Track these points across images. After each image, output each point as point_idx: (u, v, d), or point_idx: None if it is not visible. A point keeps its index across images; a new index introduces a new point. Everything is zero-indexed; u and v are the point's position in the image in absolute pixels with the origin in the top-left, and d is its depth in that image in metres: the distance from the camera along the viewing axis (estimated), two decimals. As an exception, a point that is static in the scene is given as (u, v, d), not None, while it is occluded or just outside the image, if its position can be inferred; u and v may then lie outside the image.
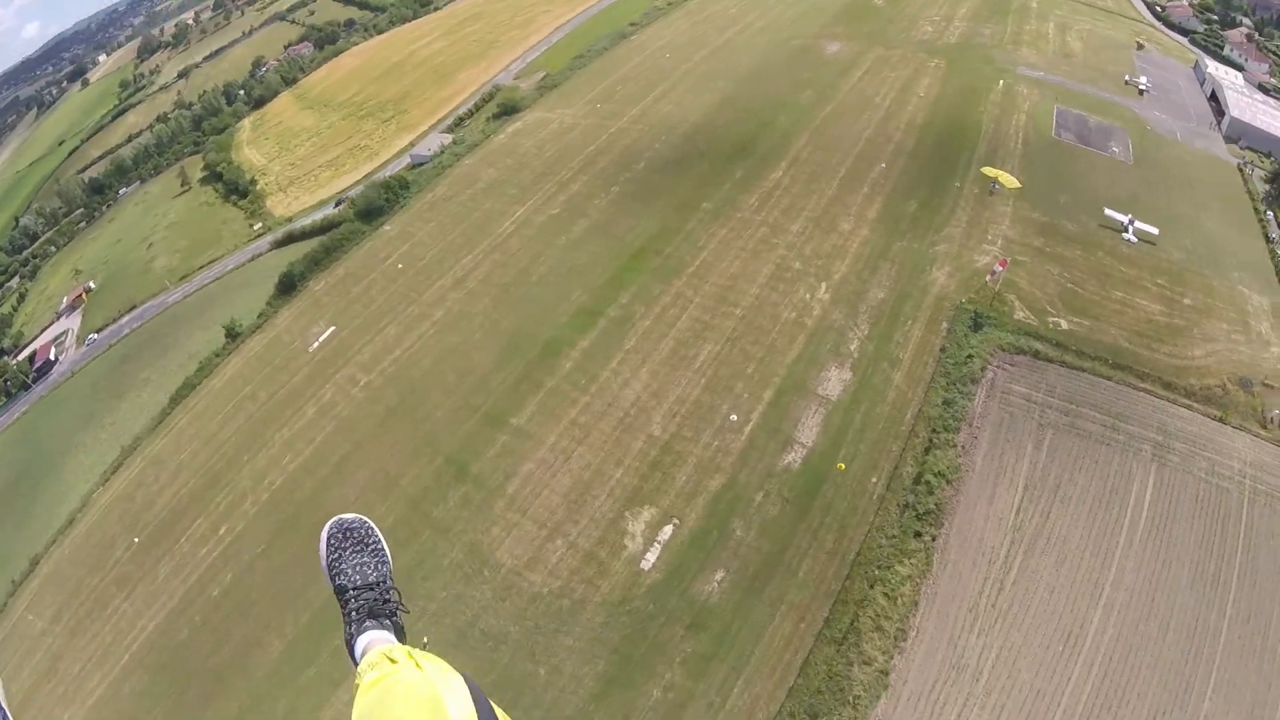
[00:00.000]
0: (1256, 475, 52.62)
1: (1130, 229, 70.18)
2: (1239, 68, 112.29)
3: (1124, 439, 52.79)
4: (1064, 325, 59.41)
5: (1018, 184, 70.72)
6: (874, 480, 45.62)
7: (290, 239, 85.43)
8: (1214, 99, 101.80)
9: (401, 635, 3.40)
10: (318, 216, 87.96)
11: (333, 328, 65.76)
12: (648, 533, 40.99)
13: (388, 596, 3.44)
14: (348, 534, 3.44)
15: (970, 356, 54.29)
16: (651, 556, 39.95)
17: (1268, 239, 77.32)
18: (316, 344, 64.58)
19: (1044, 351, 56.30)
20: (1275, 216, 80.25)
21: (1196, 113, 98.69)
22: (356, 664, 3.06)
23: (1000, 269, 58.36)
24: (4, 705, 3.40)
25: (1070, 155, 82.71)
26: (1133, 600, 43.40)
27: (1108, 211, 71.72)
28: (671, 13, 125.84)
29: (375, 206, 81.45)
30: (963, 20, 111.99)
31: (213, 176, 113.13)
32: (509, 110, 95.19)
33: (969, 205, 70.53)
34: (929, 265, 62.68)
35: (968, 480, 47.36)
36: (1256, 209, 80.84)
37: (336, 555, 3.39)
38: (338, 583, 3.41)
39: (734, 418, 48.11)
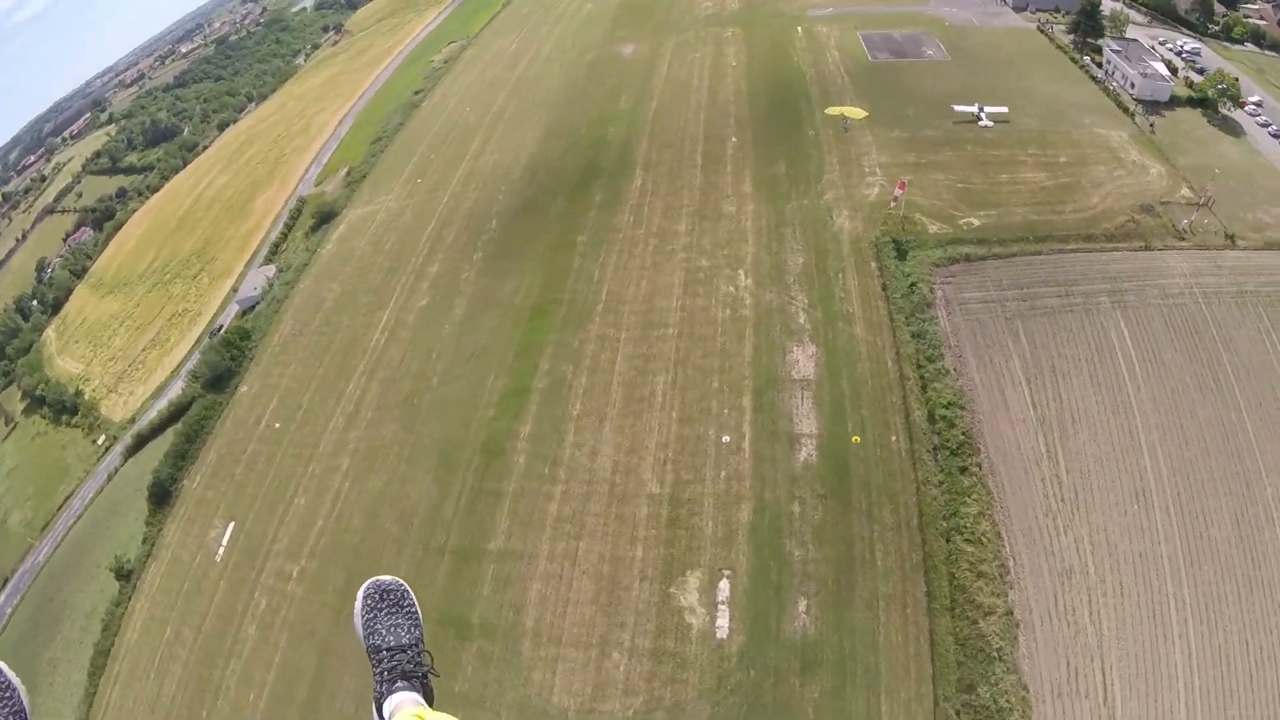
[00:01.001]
0: (1199, 280, 61.57)
1: (983, 115, 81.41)
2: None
3: (1081, 300, 59.96)
4: (975, 222, 66.98)
5: (864, 113, 79.84)
6: (893, 439, 48.14)
7: (142, 441, 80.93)
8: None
9: (430, 698, 3.77)
10: (162, 405, 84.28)
11: (232, 524, 60.04)
12: (705, 599, 39.94)
13: (419, 659, 3.86)
14: (384, 595, 3.89)
15: (913, 284, 59.48)
16: (723, 622, 38.71)
17: (1095, 79, 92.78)
18: (221, 549, 58.57)
19: (973, 253, 62.94)
20: (1091, 59, 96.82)
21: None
22: None
23: (900, 192, 64.85)
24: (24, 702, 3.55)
25: (894, 71, 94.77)
26: (1167, 434, 49.23)
27: (957, 107, 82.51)
28: (452, 69, 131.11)
29: (222, 371, 78.05)
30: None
31: (36, 403, 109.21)
32: (326, 217, 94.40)
33: (832, 148, 78.33)
34: (828, 215, 68.46)
35: (977, 398, 51.41)
36: (1073, 59, 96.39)
37: (371, 615, 3.80)
38: (371, 642, 3.82)
39: (726, 439, 49.03)
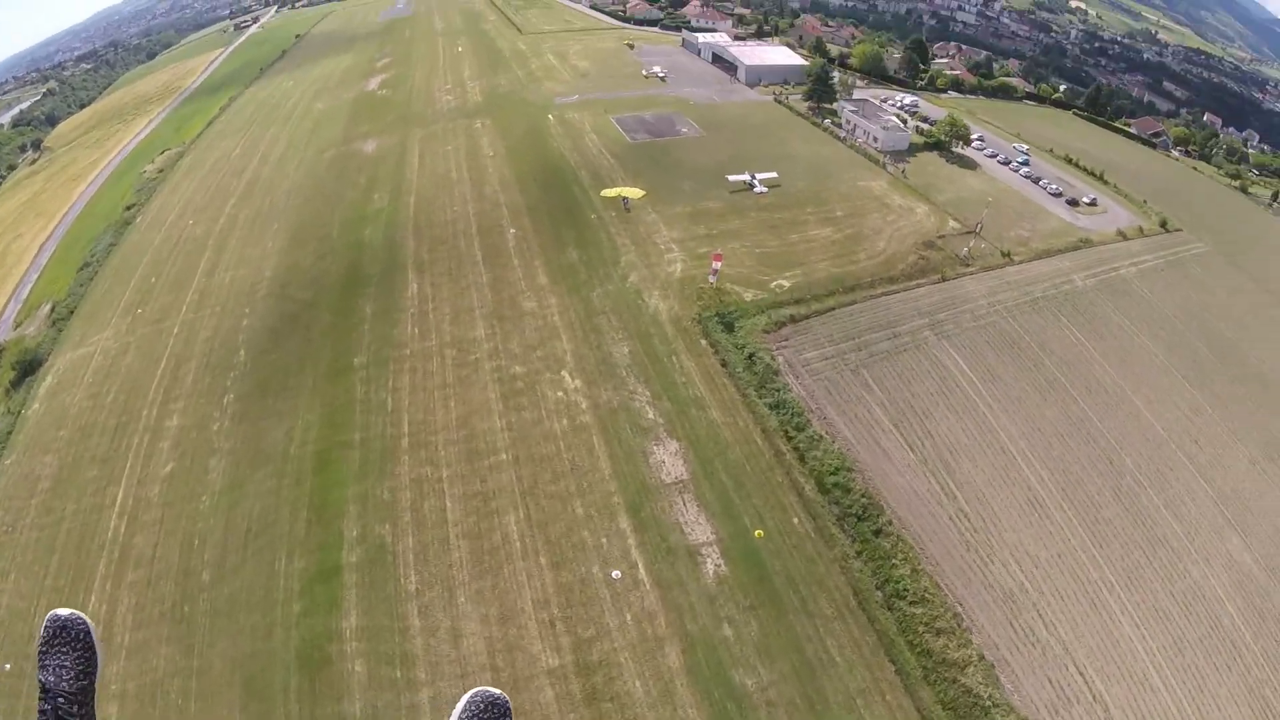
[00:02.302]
0: (997, 299, 74.92)
1: (756, 182, 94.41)
2: (712, 30, 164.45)
3: (909, 338, 69.57)
4: (785, 284, 75.68)
5: (642, 192, 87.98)
6: (795, 520, 50.29)
7: None
8: (716, 60, 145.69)
9: None
10: None
11: None
12: (660, 778, 37.08)
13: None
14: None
15: (751, 354, 64.56)
16: (691, 798, 36.13)
17: (840, 139, 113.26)
18: None
19: (796, 313, 70.35)
20: (831, 121, 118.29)
21: (714, 77, 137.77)
22: None
23: (718, 264, 71.60)
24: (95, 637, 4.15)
25: (656, 149, 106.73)
26: (1031, 441, 59.10)
27: (730, 177, 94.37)
28: (169, 179, 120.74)
29: None
30: (474, 80, 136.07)
31: None
32: (29, 368, 77.37)
33: (620, 229, 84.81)
34: (639, 298, 72.71)
35: (857, 455, 56.33)
36: (815, 123, 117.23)
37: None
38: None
39: (617, 574, 47.05)
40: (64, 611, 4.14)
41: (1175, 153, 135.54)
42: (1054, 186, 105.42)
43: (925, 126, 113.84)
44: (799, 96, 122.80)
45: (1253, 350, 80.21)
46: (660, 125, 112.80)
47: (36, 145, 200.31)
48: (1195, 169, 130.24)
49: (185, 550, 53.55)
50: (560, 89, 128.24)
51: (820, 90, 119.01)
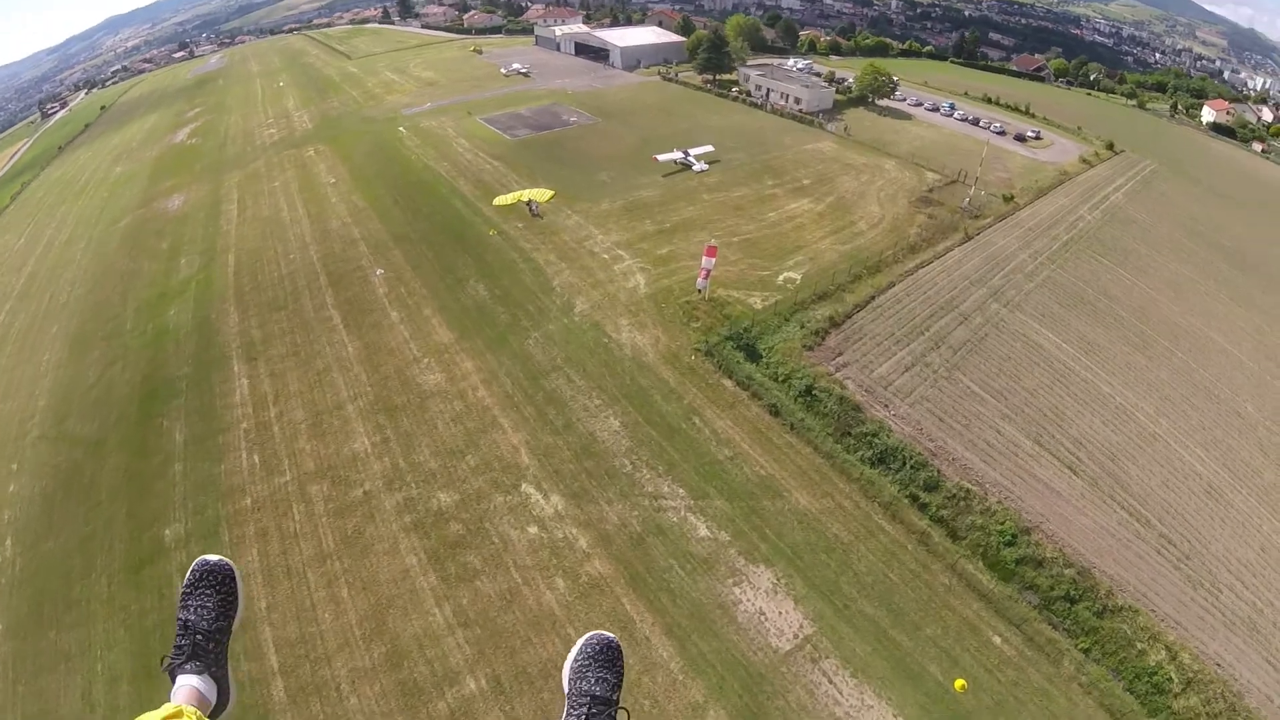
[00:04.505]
0: (1032, 249, 54.48)
1: (693, 160, 68.95)
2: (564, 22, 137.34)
3: (979, 317, 46.71)
4: (795, 276, 50.18)
5: (550, 192, 60.00)
6: (996, 640, 24.70)
7: None
8: (581, 51, 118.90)
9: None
10: None
11: None
12: None
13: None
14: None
15: (808, 389, 38.79)
16: None
17: (756, 106, 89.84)
18: None
19: (832, 314, 45.47)
20: (736, 90, 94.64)
21: (583, 67, 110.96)
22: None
23: (710, 261, 44.72)
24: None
25: (549, 144, 78.30)
26: (1170, 410, 37.15)
27: (659, 158, 68.38)
28: None
29: None
30: (299, 109, 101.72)
31: None
32: None
33: (538, 242, 55.78)
34: (601, 335, 44.80)
35: (1020, 500, 32.95)
36: (718, 94, 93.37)
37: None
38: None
39: None
40: (212, 558, 3.92)
41: (1060, 84, 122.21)
42: (996, 125, 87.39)
43: (847, 83, 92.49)
44: (691, 71, 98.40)
45: (1254, 254, 70.48)
46: (542, 118, 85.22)
47: None
48: (1090, 95, 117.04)
49: None
50: (407, 100, 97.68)
51: (715, 59, 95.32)
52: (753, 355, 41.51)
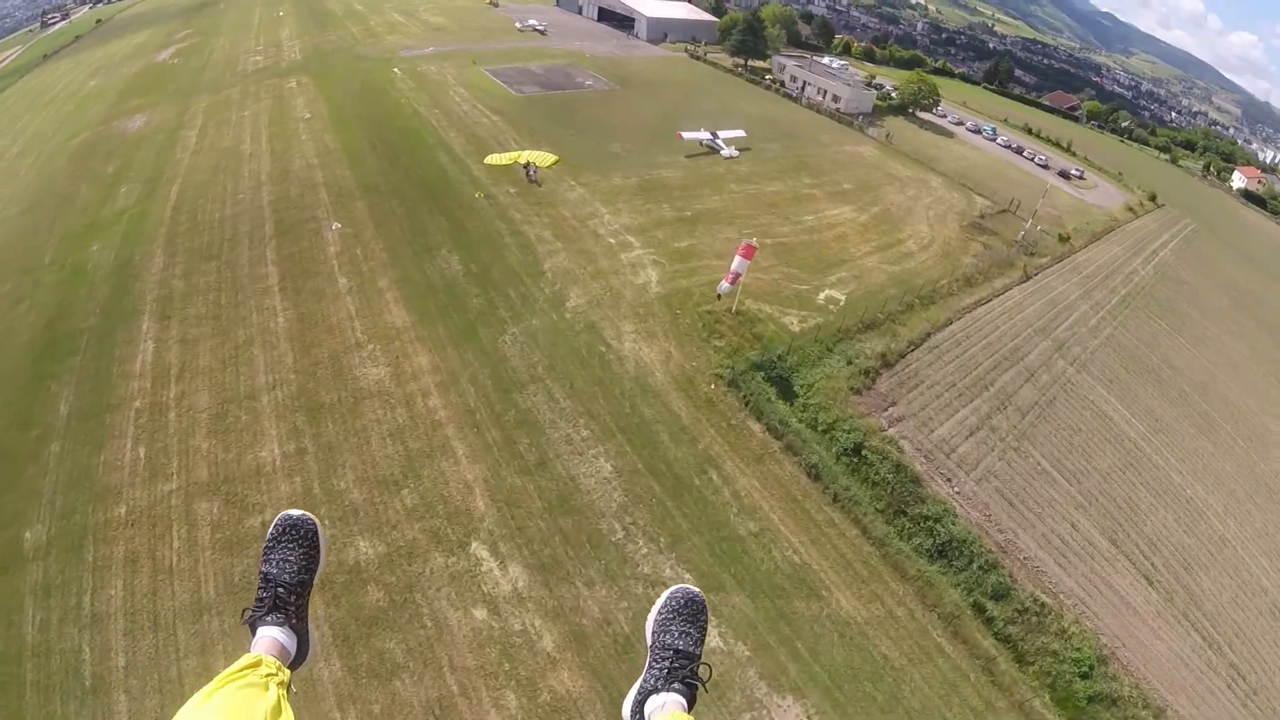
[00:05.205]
0: (1094, 301, 48.10)
1: (721, 143, 59.42)
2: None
3: (1045, 376, 38.77)
4: (839, 296, 41.25)
5: (554, 157, 49.76)
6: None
7: None
8: (604, 17, 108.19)
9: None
10: None
11: None
12: None
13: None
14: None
15: (857, 448, 29.81)
16: None
17: (791, 97, 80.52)
18: None
19: (885, 350, 36.75)
20: (769, 78, 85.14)
21: (605, 32, 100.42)
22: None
23: (743, 260, 35.42)
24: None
25: (559, 105, 68.21)
26: (1236, 510, 29.13)
27: (684, 135, 58.67)
28: None
29: None
30: (293, 39, 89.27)
31: None
32: None
33: (531, 213, 45.98)
34: (597, 341, 35.80)
35: (1095, 617, 24.70)
36: (751, 80, 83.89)
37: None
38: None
39: None
40: (295, 512, 3.56)
41: (1092, 126, 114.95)
42: (1040, 158, 79.56)
43: (885, 89, 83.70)
44: (721, 53, 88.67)
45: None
46: (554, 77, 75.03)
47: None
48: (1124, 143, 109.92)
49: None
50: (409, 43, 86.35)
51: (750, 43, 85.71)
52: (787, 392, 32.54)
